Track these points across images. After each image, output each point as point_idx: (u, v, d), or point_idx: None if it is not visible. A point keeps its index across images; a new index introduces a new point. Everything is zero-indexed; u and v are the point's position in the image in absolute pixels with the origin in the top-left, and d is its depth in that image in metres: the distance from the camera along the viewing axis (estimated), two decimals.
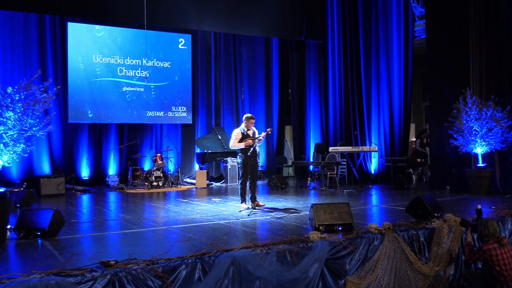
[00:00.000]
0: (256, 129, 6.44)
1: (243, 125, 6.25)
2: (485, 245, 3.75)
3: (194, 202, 7.00)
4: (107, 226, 5.00)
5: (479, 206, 4.14)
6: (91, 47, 10.31)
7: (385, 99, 10.30)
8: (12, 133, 4.46)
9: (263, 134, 6.13)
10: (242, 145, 6.07)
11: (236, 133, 6.17)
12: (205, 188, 9.55)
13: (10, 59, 9.43)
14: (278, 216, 5.40)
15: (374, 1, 10.37)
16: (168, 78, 11.21)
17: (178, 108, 11.32)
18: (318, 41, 11.67)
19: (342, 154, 9.97)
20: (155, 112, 11.01)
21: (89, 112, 10.25)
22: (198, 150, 11.28)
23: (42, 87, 4.65)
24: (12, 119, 4.43)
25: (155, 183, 9.18)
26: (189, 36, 11.48)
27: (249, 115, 6.21)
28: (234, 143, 6.13)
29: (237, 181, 9.71)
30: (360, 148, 8.96)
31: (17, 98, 4.50)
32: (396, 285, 3.99)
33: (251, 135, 6.21)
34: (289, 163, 12.63)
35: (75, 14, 9.39)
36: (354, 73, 10.68)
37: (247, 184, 6.17)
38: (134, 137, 10.73)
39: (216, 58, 11.90)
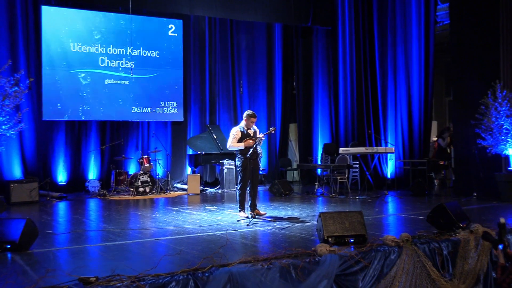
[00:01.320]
0: (257, 127, 6.45)
1: (243, 123, 6.25)
2: None
3: (186, 211, 7.00)
4: (87, 237, 4.99)
5: (502, 220, 4.02)
6: (68, 34, 10.31)
7: (403, 93, 10.30)
8: None
9: (261, 135, 6.13)
10: (241, 146, 6.07)
11: (235, 132, 6.17)
12: (198, 194, 9.55)
13: None
14: (282, 226, 5.40)
15: None
16: (157, 69, 11.22)
17: (167, 104, 11.32)
18: (327, 28, 11.67)
19: (354, 156, 9.97)
20: (141, 108, 11.01)
21: (67, 108, 10.25)
22: (190, 152, 11.28)
23: (13, 79, 4.65)
24: None
25: (141, 189, 9.18)
26: (180, 21, 11.49)
27: (250, 112, 6.21)
28: (232, 143, 6.12)
29: (235, 186, 9.70)
30: (375, 149, 8.95)
31: None
32: None
33: (251, 135, 6.21)
34: (294, 166, 12.64)
35: None
36: (368, 64, 10.68)
37: (247, 190, 6.16)
38: (117, 137, 10.74)
39: (211, 47, 11.91)
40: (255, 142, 6.03)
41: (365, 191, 8.89)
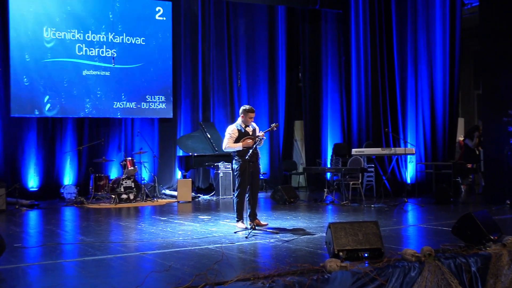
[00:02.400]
0: (257, 125, 6.45)
1: (239, 121, 6.25)
2: None
3: (176, 221, 7.00)
4: (62, 252, 4.99)
5: None
6: (40, 17, 10.31)
7: (425, 86, 10.30)
8: None
9: (262, 132, 6.13)
10: (239, 146, 6.06)
11: (231, 131, 6.17)
12: (189, 202, 9.55)
13: None
14: (285, 238, 5.40)
15: None
16: (142, 58, 11.22)
17: (154, 98, 11.33)
18: (338, 11, 11.67)
19: (369, 158, 9.97)
20: (124, 103, 11.02)
21: (39, 103, 10.25)
22: (180, 153, 11.28)
23: None
24: None
25: (124, 196, 9.18)
26: (169, 4, 11.49)
27: (247, 107, 6.21)
28: (228, 143, 6.12)
29: (232, 193, 9.69)
30: (393, 150, 8.95)
31: None
32: None
33: (250, 133, 6.21)
34: (300, 169, 12.63)
35: None
36: (385, 52, 10.68)
37: (245, 197, 6.16)
38: (97, 136, 10.74)
39: (204, 33, 11.92)
40: (255, 142, 6.02)
41: (382, 198, 8.88)
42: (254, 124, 6.33)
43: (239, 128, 6.19)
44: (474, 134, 10.26)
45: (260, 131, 6.28)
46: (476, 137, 10.20)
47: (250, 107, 6.22)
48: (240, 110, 6.24)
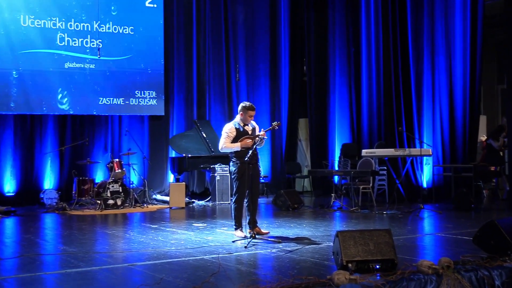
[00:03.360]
0: (257, 124, 6.43)
1: (238, 118, 6.25)
2: None
3: (168, 229, 7.00)
4: (42, 263, 4.98)
5: None
6: (17, 3, 10.30)
7: (443, 80, 10.29)
8: None
9: (263, 131, 6.11)
10: (237, 147, 6.06)
11: (229, 130, 6.17)
12: (183, 208, 9.55)
13: None
14: (289, 248, 5.40)
15: None
16: (131, 49, 11.22)
17: (144, 94, 11.33)
18: None
19: (381, 160, 9.96)
20: (111, 99, 11.01)
21: (16, 98, 10.25)
22: (173, 154, 11.27)
23: None
24: None
25: (111, 201, 9.18)
26: None
27: (247, 104, 6.21)
28: (225, 143, 6.12)
29: (230, 198, 9.68)
30: (407, 151, 8.94)
31: None
32: None
33: (249, 133, 6.21)
34: (305, 172, 12.62)
35: None
36: (398, 43, 10.67)
37: (244, 203, 6.16)
38: (81, 135, 10.73)
39: (199, 22, 11.93)
40: (254, 142, 6.02)
41: (395, 204, 8.87)
42: (253, 123, 6.32)
43: (237, 127, 6.18)
44: (500, 134, 10.21)
45: (261, 129, 6.26)
46: (502, 138, 10.16)
47: (250, 104, 6.21)
48: (239, 107, 6.24)
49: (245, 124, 6.22)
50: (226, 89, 12.07)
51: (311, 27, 12.26)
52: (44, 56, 10.48)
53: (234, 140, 6.12)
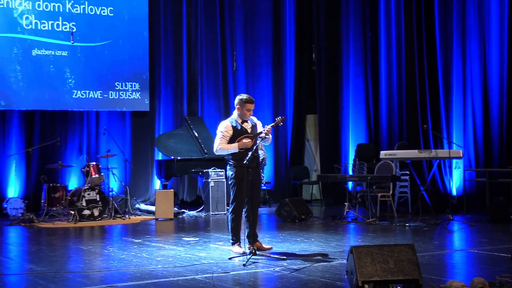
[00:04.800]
0: (258, 120, 6.41)
1: (235, 114, 6.23)
2: None
3: (154, 244, 6.98)
4: (5, 285, 4.94)
5: None
6: None
7: (475, 70, 10.26)
8: None
9: (269, 127, 6.07)
10: (234, 148, 6.05)
11: (224, 128, 6.14)
12: (171, 220, 9.54)
13: None
14: (295, 266, 5.38)
15: None
16: (110, 34, 11.21)
17: (126, 86, 11.31)
18: None
19: (403, 163, 9.94)
20: (87, 91, 11.00)
21: None
22: (160, 156, 11.24)
23: None
24: None
25: (87, 212, 9.16)
26: None
27: (244, 96, 6.18)
28: (220, 144, 6.10)
29: (226, 208, 9.65)
30: (433, 153, 8.92)
31: None
32: None
33: (249, 131, 6.19)
34: (313, 177, 12.60)
35: None
36: (423, 26, 10.65)
37: (243, 213, 6.15)
38: (51, 135, 10.72)
39: (190, 1, 11.89)
40: (255, 142, 6.01)
41: (419, 215, 8.85)
42: (254, 119, 6.30)
43: (234, 125, 6.16)
44: None
45: (265, 126, 6.17)
46: None
47: (248, 96, 6.19)
48: (236, 101, 6.21)
49: (243, 121, 6.19)
50: (221, 80, 12.05)
51: (321, 8, 12.23)
52: (6, 41, 10.45)
53: (232, 140, 6.10)
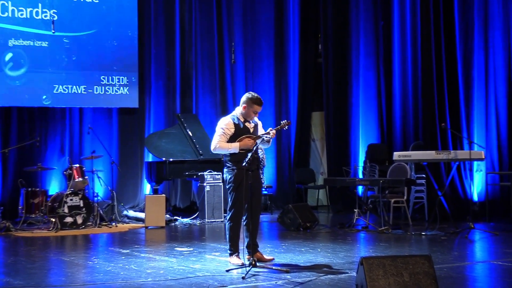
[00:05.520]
0: (259, 120, 6.42)
1: (238, 111, 6.21)
2: None
3: (143, 255, 6.98)
4: None
5: None
6: None
7: (499, 61, 10.23)
8: None
9: (274, 130, 6.07)
10: (234, 148, 6.04)
11: (226, 125, 6.12)
12: (163, 228, 9.53)
13: None
14: (299, 280, 5.37)
15: None
16: (95, 23, 11.19)
17: (113, 80, 11.30)
18: None
19: (418, 166, 9.93)
20: (69, 86, 10.98)
21: None
22: (150, 158, 11.23)
23: None
24: None
25: (69, 220, 9.14)
26: None
27: (254, 95, 6.13)
28: (219, 143, 6.09)
29: (223, 215, 9.65)
30: (452, 154, 8.91)
31: None
32: None
33: (251, 131, 6.19)
34: (320, 181, 12.59)
35: None
36: (441, 15, 10.63)
37: (242, 221, 6.15)
38: (30, 134, 10.70)
39: None
40: (256, 143, 6.01)
41: (437, 222, 8.84)
42: (257, 119, 6.31)
43: (237, 122, 6.15)
44: None
45: (269, 129, 6.18)
46: None
47: (258, 97, 6.15)
48: (243, 99, 6.18)
49: (246, 120, 6.20)
50: (218, 74, 12.04)
51: None
52: None
53: (231, 139, 6.10)
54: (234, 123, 6.14)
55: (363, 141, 11.87)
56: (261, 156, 6.34)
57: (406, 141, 11.04)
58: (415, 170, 10.04)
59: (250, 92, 6.34)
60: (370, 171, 10.91)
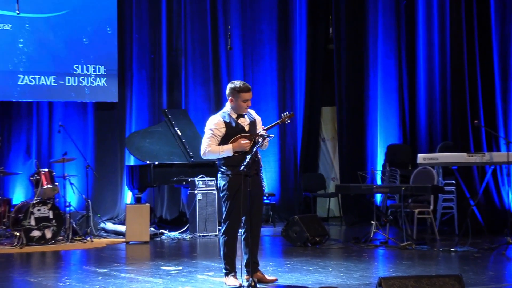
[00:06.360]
0: (259, 115, 6.41)
1: (227, 108, 6.23)
2: None
3: (124, 274, 6.98)
4: None
5: None
6: None
7: None
8: None
9: (271, 125, 6.08)
10: (227, 150, 6.04)
11: (214, 125, 6.13)
12: (146, 243, 9.53)
13: None
14: None
15: None
16: (67, 2, 11.23)
17: (88, 69, 11.32)
18: None
19: (447, 170, 9.93)
20: (36, 77, 11.02)
21: None
22: (132, 161, 11.26)
23: None
24: None
25: (36, 233, 9.13)
26: None
27: (237, 83, 6.17)
28: (209, 146, 6.09)
29: (218, 228, 9.63)
30: (487, 157, 8.90)
31: None
32: None
33: (246, 129, 6.19)
34: (331, 188, 12.60)
35: None
36: None
37: (239, 234, 6.15)
38: None
39: None
40: (255, 142, 6.00)
41: (469, 237, 8.84)
42: (253, 113, 6.30)
43: (228, 120, 6.15)
44: None
45: (262, 126, 6.22)
46: None
47: (243, 83, 6.18)
48: (227, 91, 6.21)
49: (239, 116, 6.19)
50: (211, 62, 12.05)
51: None
52: None
53: (223, 141, 6.10)
54: (225, 122, 6.13)
55: (381, 141, 11.89)
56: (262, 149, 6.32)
57: (432, 142, 11.05)
58: (443, 175, 10.04)
59: (232, 81, 6.36)
60: (390, 177, 10.90)
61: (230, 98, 6.19)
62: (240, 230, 6.13)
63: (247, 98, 6.15)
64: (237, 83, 6.21)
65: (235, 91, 6.14)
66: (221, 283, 6.18)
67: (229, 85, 6.23)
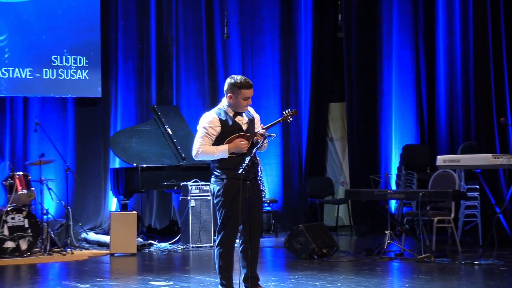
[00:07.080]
0: (258, 113, 6.43)
1: (224, 104, 6.24)
2: None
3: None
4: None
5: None
6: None
7: None
8: None
9: (272, 124, 6.12)
10: (223, 152, 6.06)
11: (208, 123, 6.13)
12: (133, 255, 9.55)
13: None
14: None
15: None
16: None
17: (67, 60, 11.35)
18: None
19: (470, 173, 9.94)
20: (10, 69, 11.05)
21: None
22: (117, 164, 11.28)
23: None
24: None
25: (10, 244, 9.14)
26: None
27: (238, 78, 6.16)
28: (202, 146, 6.11)
29: (213, 238, 9.66)
30: None
31: None
32: None
33: (244, 128, 6.21)
34: (340, 194, 12.62)
35: None
36: None
37: (236, 245, 6.19)
38: None
39: None
40: (253, 143, 6.04)
41: (494, 248, 8.87)
42: (251, 111, 6.32)
43: (224, 118, 6.16)
44: None
45: (261, 124, 6.24)
46: None
47: (244, 79, 6.17)
48: (226, 86, 6.20)
49: (236, 114, 6.21)
50: (206, 53, 12.08)
51: None
52: None
53: (218, 141, 6.12)
54: (220, 120, 6.14)
55: (396, 142, 11.90)
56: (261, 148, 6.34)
57: (453, 142, 11.08)
58: (465, 179, 10.05)
59: (231, 76, 6.31)
60: (406, 181, 10.91)
61: (229, 94, 6.18)
62: (237, 241, 6.15)
63: (248, 96, 6.15)
64: (238, 78, 6.19)
65: (236, 87, 6.13)
66: None
67: (229, 80, 6.22)
